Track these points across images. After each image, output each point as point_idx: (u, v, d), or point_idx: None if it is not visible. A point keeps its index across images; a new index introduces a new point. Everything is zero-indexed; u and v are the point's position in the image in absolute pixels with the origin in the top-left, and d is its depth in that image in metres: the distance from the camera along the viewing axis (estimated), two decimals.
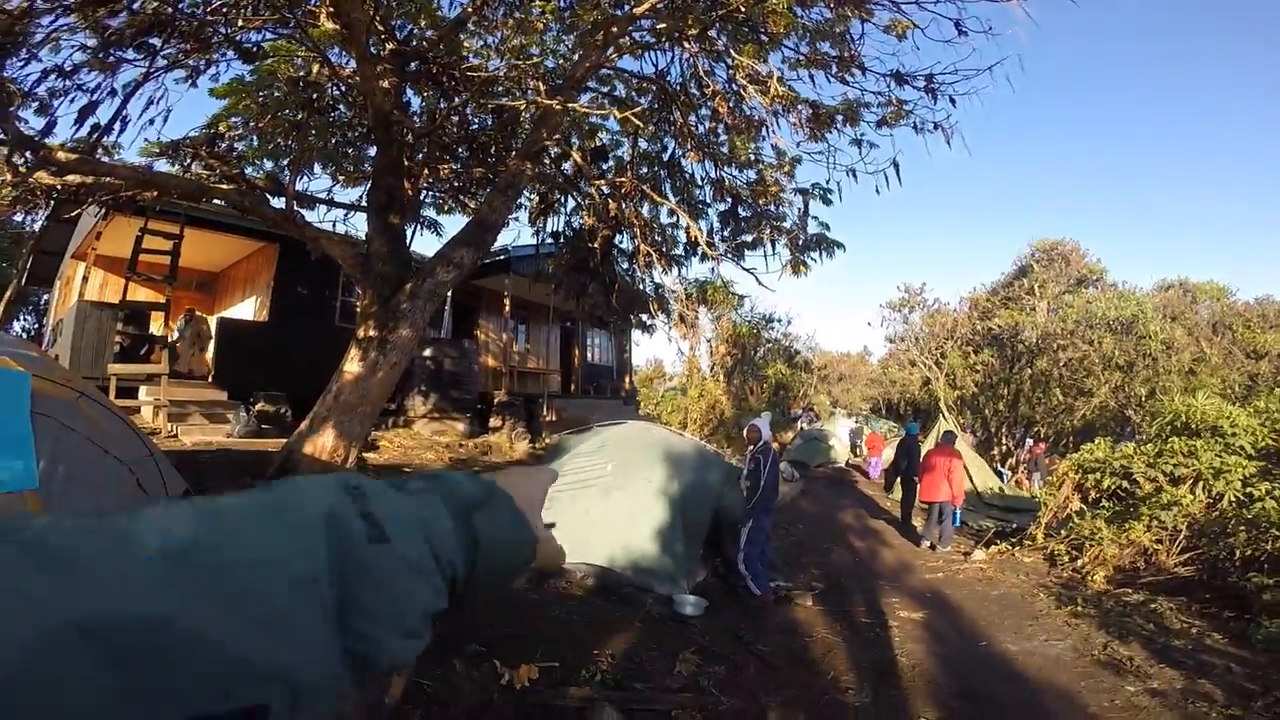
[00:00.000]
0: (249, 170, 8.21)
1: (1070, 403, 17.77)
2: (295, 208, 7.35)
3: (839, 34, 7.52)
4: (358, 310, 7.34)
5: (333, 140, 9.02)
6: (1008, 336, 20.28)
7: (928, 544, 8.42)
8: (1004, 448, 18.73)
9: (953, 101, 7.64)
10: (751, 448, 6.02)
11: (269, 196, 7.44)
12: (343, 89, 8.06)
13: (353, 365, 6.46)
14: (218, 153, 7.65)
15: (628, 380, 20.55)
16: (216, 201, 8.52)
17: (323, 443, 6.28)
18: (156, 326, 9.89)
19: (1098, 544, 6.73)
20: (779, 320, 17.45)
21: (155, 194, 7.19)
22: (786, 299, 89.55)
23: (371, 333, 6.50)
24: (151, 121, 7.13)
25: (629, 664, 3.84)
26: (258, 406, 9.96)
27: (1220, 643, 4.66)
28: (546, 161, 9.41)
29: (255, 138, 8.12)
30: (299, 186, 8.59)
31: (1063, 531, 7.58)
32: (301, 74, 7.51)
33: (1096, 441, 8.68)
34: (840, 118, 8.24)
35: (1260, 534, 5.67)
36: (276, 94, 7.62)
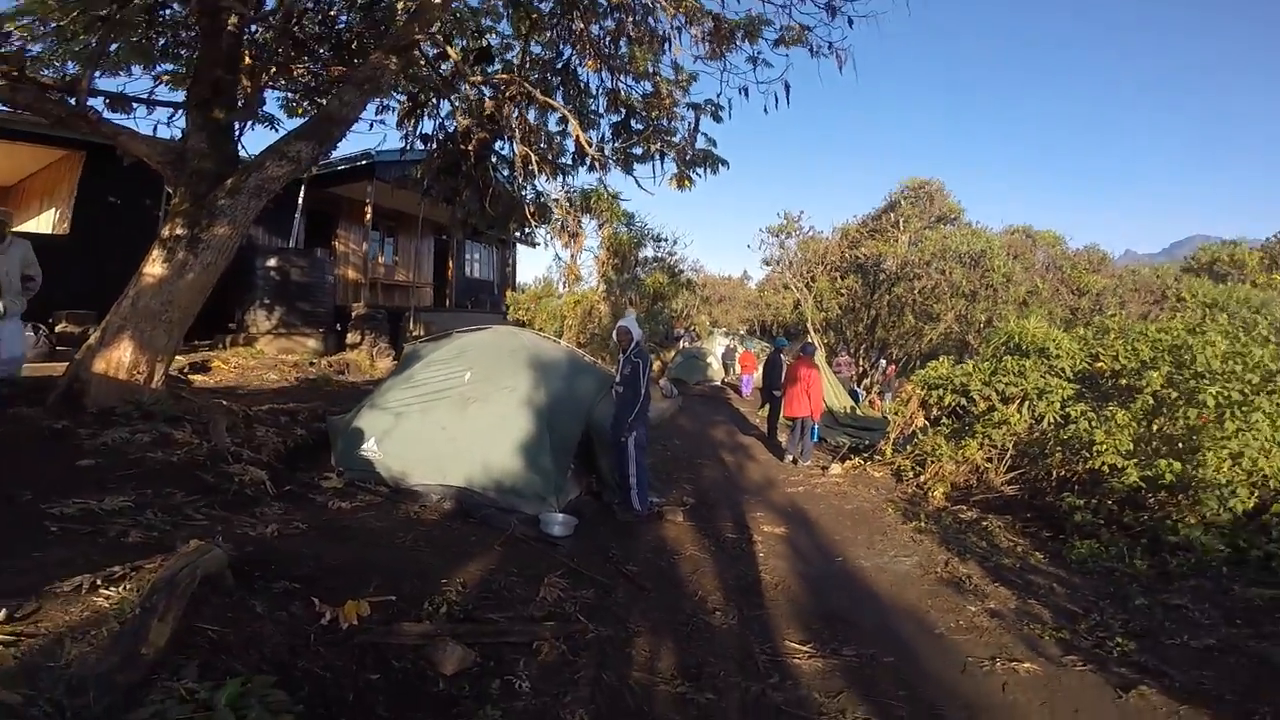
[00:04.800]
0: (46, 72, 6.52)
1: (920, 327, 19.37)
2: (88, 103, 5.94)
3: None
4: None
5: (160, 41, 7.58)
6: (871, 264, 21.45)
7: (790, 459, 8.82)
8: (860, 369, 20.19)
9: (850, 23, 7.69)
10: (623, 353, 5.72)
11: (52, 92, 5.90)
12: None
13: (155, 267, 5.36)
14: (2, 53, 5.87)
15: (510, 294, 19.75)
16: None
17: (118, 358, 5.21)
18: None
19: (938, 460, 7.29)
20: (666, 239, 17.15)
21: None
22: (677, 222, 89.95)
23: (180, 231, 5.44)
24: None
25: (484, 593, 3.51)
26: (59, 326, 8.82)
27: (1042, 562, 5.14)
28: (422, 62, 8.35)
29: (55, 39, 6.39)
30: (113, 87, 7.27)
31: (908, 447, 8.17)
32: None
33: (939, 359, 9.31)
34: (741, 33, 8.15)
35: (1073, 454, 6.34)
36: None
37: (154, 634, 2.06)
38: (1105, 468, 5.86)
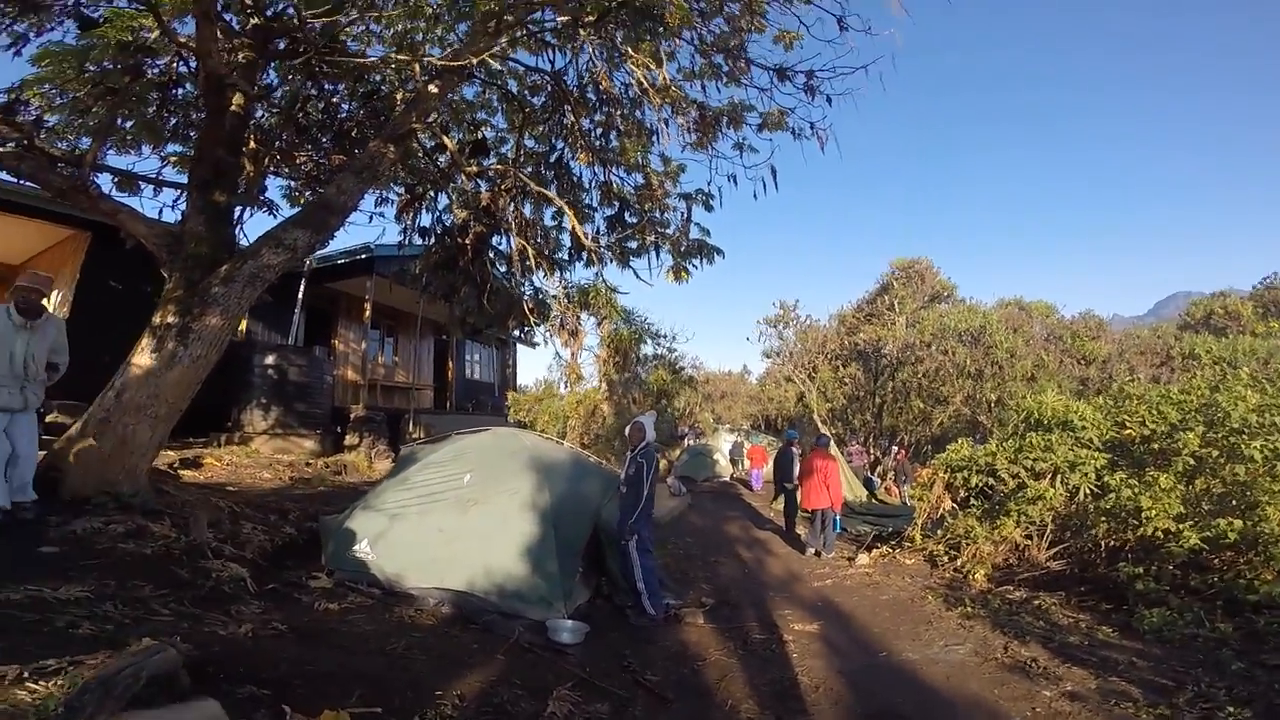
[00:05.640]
0: (60, 144, 6.79)
1: (929, 410, 19.01)
2: (94, 179, 6.06)
3: (733, 47, 7.64)
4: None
5: (171, 120, 7.78)
6: (871, 350, 21.46)
7: (813, 551, 8.30)
8: (873, 457, 19.66)
9: (829, 101, 7.91)
10: (631, 450, 5.44)
11: (63, 166, 6.03)
12: (190, 65, 6.97)
13: (143, 357, 5.21)
14: (15, 121, 6.07)
15: (511, 395, 19.62)
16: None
17: (97, 450, 4.95)
18: None
19: (974, 542, 6.79)
20: (665, 335, 17.26)
21: None
22: (673, 318, 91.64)
23: (170, 319, 5.32)
24: None
25: (484, 707, 3.04)
26: (49, 417, 8.27)
27: (1111, 636, 4.61)
28: (420, 154, 8.65)
29: (70, 110, 6.72)
30: (124, 166, 7.47)
31: (939, 532, 7.66)
32: (140, 40, 6.23)
33: (960, 441, 8.96)
34: (725, 119, 8.43)
35: (1120, 523, 5.90)
36: (105, 63, 6.28)
37: None
38: (1159, 533, 5.43)
